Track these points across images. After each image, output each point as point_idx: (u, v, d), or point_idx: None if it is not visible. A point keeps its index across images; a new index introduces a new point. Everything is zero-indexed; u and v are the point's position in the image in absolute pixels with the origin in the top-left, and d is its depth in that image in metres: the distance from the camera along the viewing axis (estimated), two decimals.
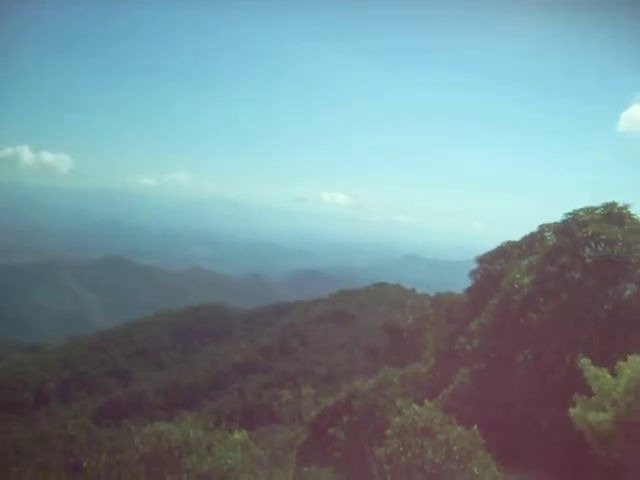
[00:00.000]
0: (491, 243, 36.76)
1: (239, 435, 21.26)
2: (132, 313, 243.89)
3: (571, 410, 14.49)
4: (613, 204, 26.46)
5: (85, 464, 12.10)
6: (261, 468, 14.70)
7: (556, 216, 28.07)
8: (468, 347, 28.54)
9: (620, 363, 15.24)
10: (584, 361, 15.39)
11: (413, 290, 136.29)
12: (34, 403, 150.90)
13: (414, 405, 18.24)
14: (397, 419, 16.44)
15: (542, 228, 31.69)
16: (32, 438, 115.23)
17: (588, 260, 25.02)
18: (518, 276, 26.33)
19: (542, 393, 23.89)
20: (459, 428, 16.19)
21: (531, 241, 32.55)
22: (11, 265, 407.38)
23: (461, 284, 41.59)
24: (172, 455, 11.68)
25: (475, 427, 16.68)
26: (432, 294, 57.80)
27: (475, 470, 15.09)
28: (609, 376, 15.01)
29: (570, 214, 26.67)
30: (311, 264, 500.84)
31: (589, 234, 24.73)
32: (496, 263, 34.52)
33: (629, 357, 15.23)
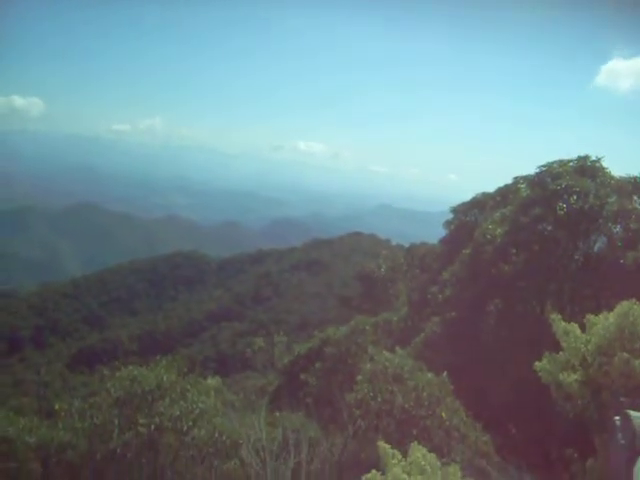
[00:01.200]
0: (466, 195, 36.83)
1: (212, 381, 21.48)
2: (106, 260, 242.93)
3: (537, 364, 14.70)
4: (586, 157, 26.55)
5: (57, 407, 12.20)
6: (234, 412, 14.88)
7: (531, 169, 28.13)
8: (440, 296, 28.84)
9: (589, 317, 15.33)
10: (554, 316, 15.49)
11: (387, 240, 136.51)
12: (7, 349, 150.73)
13: (385, 352, 18.49)
14: (368, 365, 16.67)
15: (516, 180, 31.70)
16: (5, 384, 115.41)
17: (560, 212, 25.18)
18: (491, 227, 26.49)
19: (511, 342, 24.31)
20: (429, 375, 16.46)
21: (505, 193, 32.63)
22: None
23: (435, 235, 41.78)
24: (145, 399, 11.76)
25: (445, 374, 16.96)
26: (406, 245, 57.97)
27: (443, 415, 15.40)
28: (579, 332, 15.13)
29: (544, 166, 26.74)
30: (286, 213, 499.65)
31: (562, 186, 24.85)
32: (470, 214, 34.65)
33: (601, 315, 15.26)
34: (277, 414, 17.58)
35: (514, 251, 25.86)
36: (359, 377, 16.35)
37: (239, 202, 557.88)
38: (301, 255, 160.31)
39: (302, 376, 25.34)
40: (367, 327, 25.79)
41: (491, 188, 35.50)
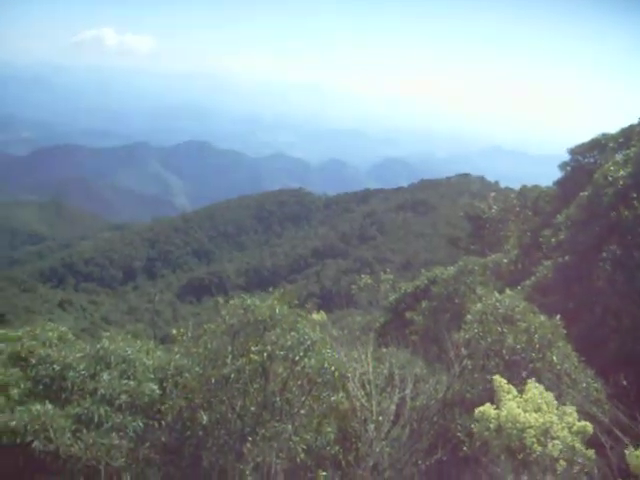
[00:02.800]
0: (581, 138, 35.00)
1: (318, 316, 21.76)
2: (215, 196, 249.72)
3: None
4: None
5: (174, 331, 12.71)
6: (340, 347, 15.07)
7: None
8: (553, 240, 27.88)
9: None
10: None
11: (496, 183, 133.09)
12: (123, 278, 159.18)
13: (495, 293, 18.15)
14: (478, 305, 16.41)
15: None
16: (121, 310, 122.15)
17: None
18: (613, 168, 25.12)
19: (628, 289, 23.33)
20: (541, 317, 16.04)
21: (629, 133, 30.74)
22: (97, 147, 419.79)
23: (546, 179, 40.32)
24: (257, 328, 12.03)
25: (558, 317, 16.49)
26: (516, 188, 56.31)
27: (555, 359, 15.04)
28: None
29: None
30: (393, 152, 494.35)
31: None
32: (589, 155, 33.02)
33: None
34: (383, 350, 17.68)
35: (636, 195, 24.52)
36: (468, 317, 16.14)
37: (346, 140, 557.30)
38: (407, 195, 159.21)
39: (408, 314, 25.35)
40: (476, 267, 25.35)
41: (611, 129, 33.60)
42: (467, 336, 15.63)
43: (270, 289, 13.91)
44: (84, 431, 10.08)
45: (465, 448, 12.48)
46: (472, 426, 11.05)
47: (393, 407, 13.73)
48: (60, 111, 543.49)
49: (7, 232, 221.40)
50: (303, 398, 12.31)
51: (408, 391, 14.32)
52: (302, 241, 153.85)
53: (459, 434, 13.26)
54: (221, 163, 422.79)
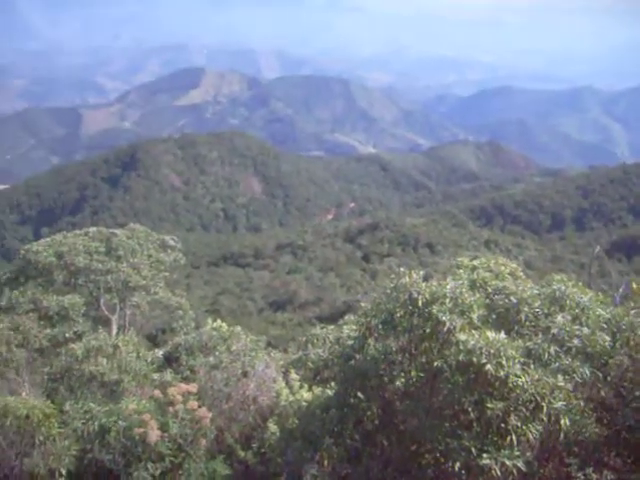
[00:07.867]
0: None
1: None
2: None
3: None
4: None
5: (634, 285, 12.06)
6: None
7: None
8: None
9: None
10: None
11: None
12: (550, 226, 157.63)
13: None
14: None
15: None
16: (544, 258, 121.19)
17: None
18: None
19: None
20: None
21: None
22: (538, 90, 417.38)
23: None
24: None
25: None
26: None
27: None
28: None
29: None
30: None
31: None
32: None
33: None
34: None
35: None
36: None
37: None
38: None
39: None
40: None
41: None
42: None
43: None
44: (532, 366, 10.28)
45: None
46: None
47: None
48: (504, 53, 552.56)
49: (448, 169, 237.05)
50: None
51: None
52: None
53: None
54: None
